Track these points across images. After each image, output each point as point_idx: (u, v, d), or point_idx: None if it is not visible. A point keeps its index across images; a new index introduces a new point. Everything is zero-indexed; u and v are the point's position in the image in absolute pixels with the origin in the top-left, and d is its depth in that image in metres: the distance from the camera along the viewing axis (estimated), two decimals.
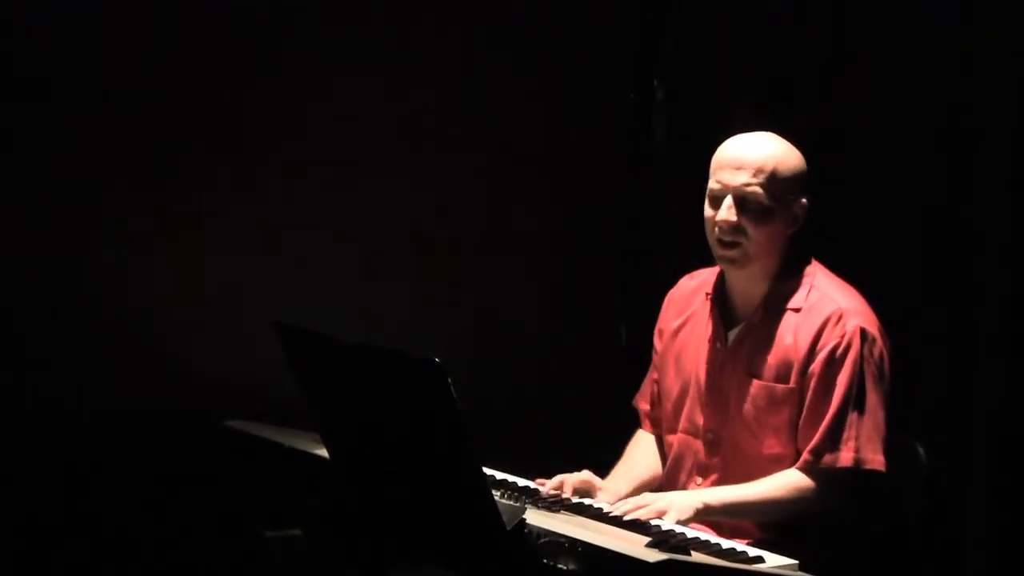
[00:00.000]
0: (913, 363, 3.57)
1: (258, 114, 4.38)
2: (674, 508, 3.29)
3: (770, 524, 3.43)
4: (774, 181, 3.47)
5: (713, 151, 3.57)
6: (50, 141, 4.17)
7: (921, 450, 3.55)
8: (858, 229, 4.32)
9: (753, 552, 3.16)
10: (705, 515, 3.33)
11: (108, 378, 4.20)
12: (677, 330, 3.71)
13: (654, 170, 4.78)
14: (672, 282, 3.82)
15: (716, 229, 3.50)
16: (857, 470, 3.40)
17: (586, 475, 3.57)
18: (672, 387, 3.69)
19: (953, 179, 4.24)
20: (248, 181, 4.37)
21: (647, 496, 3.39)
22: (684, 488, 3.61)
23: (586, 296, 4.77)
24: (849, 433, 3.40)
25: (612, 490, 3.58)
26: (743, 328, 3.57)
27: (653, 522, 3.27)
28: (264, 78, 4.38)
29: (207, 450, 4.06)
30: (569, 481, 3.51)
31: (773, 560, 3.16)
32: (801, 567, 3.13)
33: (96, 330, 4.22)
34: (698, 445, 3.61)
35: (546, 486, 3.50)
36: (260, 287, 4.32)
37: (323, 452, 3.35)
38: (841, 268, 3.60)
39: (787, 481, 3.42)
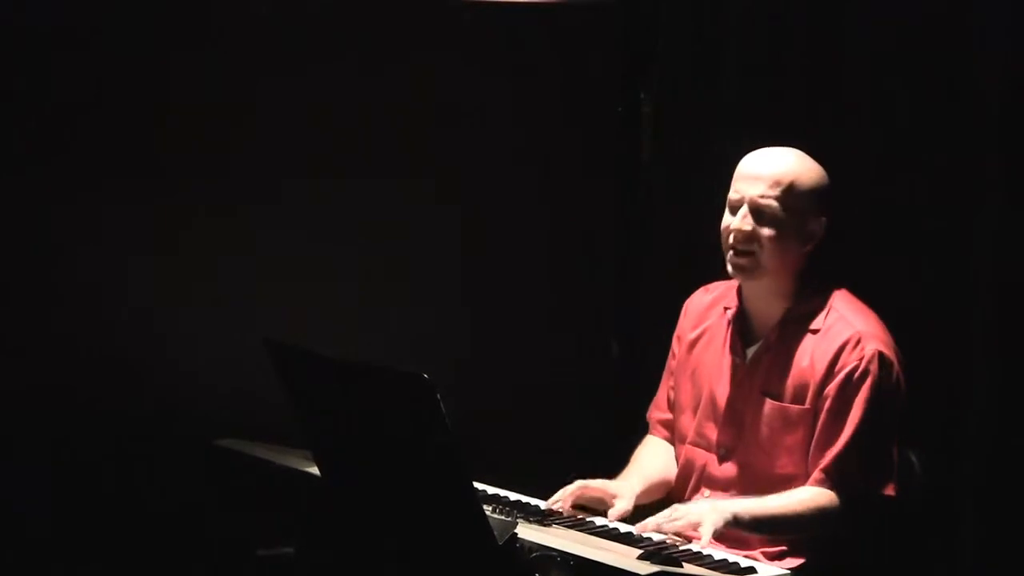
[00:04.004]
0: (906, 373, 3.56)
1: (254, 127, 4.39)
2: (707, 521, 3.27)
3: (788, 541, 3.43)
4: (791, 195, 3.48)
5: (700, 164, 3.59)
6: (47, 150, 4.18)
7: (915, 460, 3.55)
8: (844, 233, 4.32)
9: (745, 563, 3.17)
10: (735, 526, 3.31)
11: (98, 398, 4.20)
12: (694, 342, 3.71)
13: (642, 183, 4.78)
14: (663, 294, 3.82)
15: (731, 237, 3.50)
16: (868, 494, 3.41)
17: (599, 482, 3.55)
18: (685, 399, 3.69)
19: (943, 184, 4.25)
20: (241, 195, 4.37)
21: (678, 509, 3.36)
22: (690, 500, 3.60)
23: (577, 309, 4.76)
24: (863, 458, 3.40)
25: (626, 494, 3.55)
26: (760, 347, 3.57)
27: (657, 537, 3.27)
28: (260, 87, 4.39)
29: (198, 470, 4.05)
30: (586, 493, 3.50)
31: (765, 571, 3.16)
32: None
33: (85, 350, 4.22)
34: (708, 458, 3.60)
35: (564, 502, 3.48)
36: (250, 304, 4.32)
37: (314, 469, 3.34)
38: (826, 271, 3.60)
39: (807, 498, 3.40)
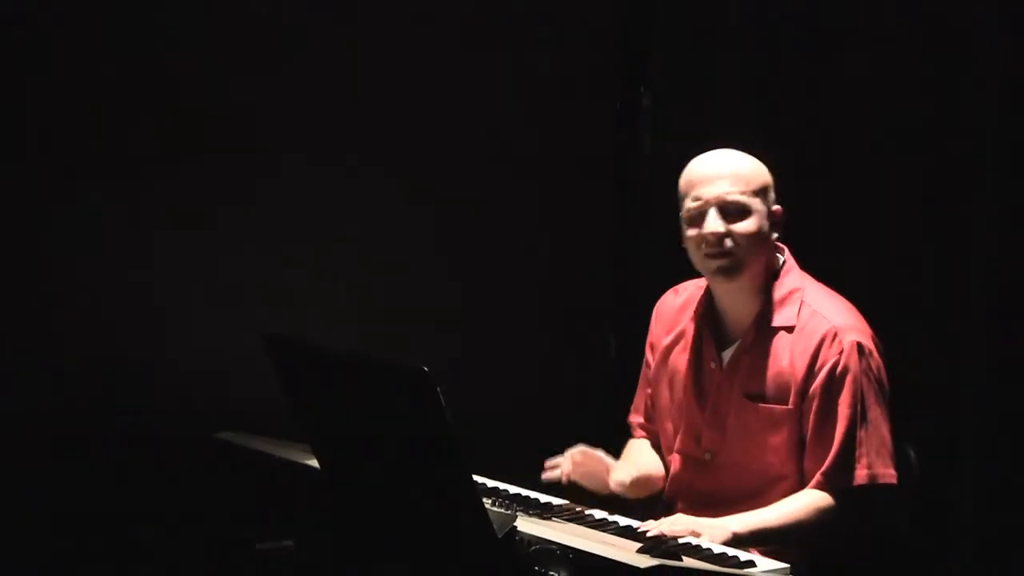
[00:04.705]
0: (901, 365, 3.57)
1: (251, 124, 4.39)
2: (705, 537, 3.28)
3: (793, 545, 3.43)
4: (750, 187, 3.49)
5: None
6: (46, 148, 4.18)
7: (912, 453, 3.56)
8: (843, 232, 4.33)
9: (744, 556, 3.17)
10: (735, 544, 3.31)
11: (98, 391, 4.21)
12: (669, 348, 3.70)
13: (641, 179, 4.78)
14: (660, 292, 3.81)
15: (704, 244, 3.50)
16: (872, 486, 3.41)
17: (596, 452, 3.57)
18: (666, 406, 3.69)
19: (939, 181, 4.26)
20: (239, 189, 4.37)
21: (680, 518, 3.37)
22: (679, 507, 3.61)
23: (575, 307, 4.77)
24: (860, 451, 3.41)
25: (624, 469, 3.56)
26: (737, 349, 3.56)
27: (651, 532, 3.27)
28: (258, 83, 4.39)
29: (198, 462, 4.06)
30: (581, 463, 3.52)
31: (764, 564, 3.16)
32: (793, 570, 3.14)
33: (85, 343, 4.22)
34: (696, 464, 3.61)
35: (564, 463, 3.51)
36: (250, 297, 4.32)
37: (314, 462, 3.35)
38: (826, 271, 3.61)
39: (807, 503, 3.42)
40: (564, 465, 3.54)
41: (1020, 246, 4.15)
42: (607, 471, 3.55)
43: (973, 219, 4.22)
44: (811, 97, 4.44)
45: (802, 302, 3.52)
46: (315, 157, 4.48)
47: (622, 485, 3.52)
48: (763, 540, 3.38)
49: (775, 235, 3.53)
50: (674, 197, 3.59)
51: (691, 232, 3.52)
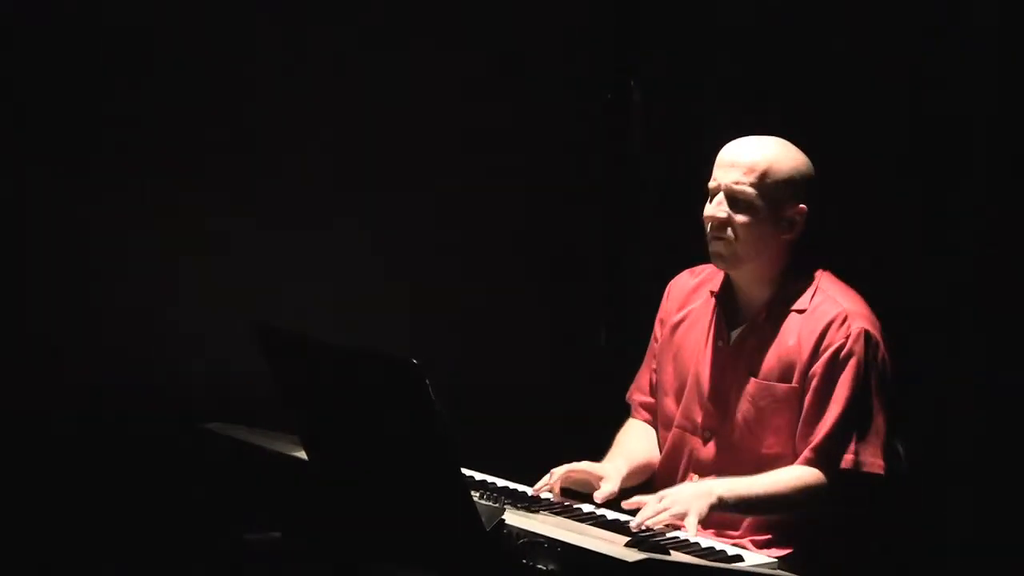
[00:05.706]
0: (900, 363, 3.56)
1: (251, 124, 4.39)
2: (692, 510, 3.26)
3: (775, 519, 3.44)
4: (765, 181, 3.49)
5: (690, 151, 3.59)
6: (44, 148, 4.19)
7: (900, 448, 3.55)
8: (840, 229, 4.32)
9: (732, 551, 3.16)
10: (719, 509, 3.32)
11: (88, 381, 4.21)
12: (676, 324, 3.71)
13: (632, 171, 4.78)
14: (653, 283, 3.82)
15: (708, 225, 3.51)
16: (855, 472, 3.40)
17: (585, 464, 3.55)
18: (669, 382, 3.69)
19: (937, 179, 4.25)
20: (232, 182, 4.38)
21: (665, 496, 3.34)
22: (678, 484, 3.59)
23: (565, 296, 4.77)
24: (849, 435, 3.41)
25: (613, 476, 3.54)
26: (746, 328, 3.57)
27: (634, 524, 3.26)
28: (258, 82, 4.40)
29: (187, 453, 4.06)
30: (572, 476, 3.50)
31: (752, 559, 3.16)
32: (780, 565, 3.13)
33: (75, 333, 4.23)
34: (695, 442, 3.61)
35: (547, 481, 3.48)
36: (241, 289, 4.33)
37: (302, 454, 3.35)
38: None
39: (794, 477, 3.41)
40: (553, 488, 3.49)
41: (1021, 244, 4.14)
42: (597, 481, 3.52)
43: (973, 217, 4.21)
44: (801, 96, 4.44)
45: (817, 287, 3.53)
46: (314, 156, 4.48)
47: (611, 496, 3.49)
48: (748, 508, 3.39)
49: (789, 235, 3.51)
50: (663, 187, 3.59)
51: (705, 208, 3.53)
